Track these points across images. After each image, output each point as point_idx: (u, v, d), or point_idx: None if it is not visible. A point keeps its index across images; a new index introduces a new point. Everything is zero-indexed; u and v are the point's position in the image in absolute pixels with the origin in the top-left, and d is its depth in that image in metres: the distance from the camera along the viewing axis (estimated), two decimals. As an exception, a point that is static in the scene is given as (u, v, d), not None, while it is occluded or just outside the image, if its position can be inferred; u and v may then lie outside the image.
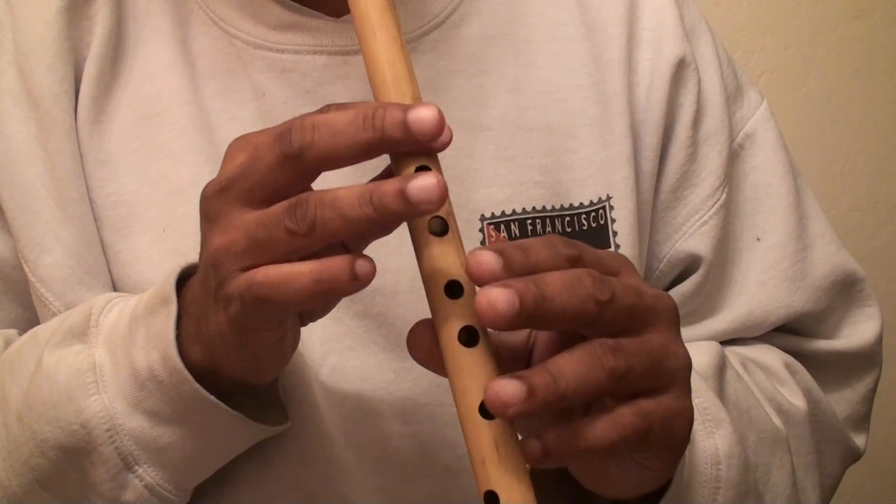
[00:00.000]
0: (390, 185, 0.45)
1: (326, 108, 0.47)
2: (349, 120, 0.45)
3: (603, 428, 0.47)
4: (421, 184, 0.45)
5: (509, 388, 0.44)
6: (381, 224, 0.46)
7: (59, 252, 0.63)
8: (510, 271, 0.45)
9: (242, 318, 0.48)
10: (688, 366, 0.50)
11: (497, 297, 0.43)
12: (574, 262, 0.47)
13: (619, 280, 0.48)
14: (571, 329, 0.48)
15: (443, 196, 0.45)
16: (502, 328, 0.45)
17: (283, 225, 0.45)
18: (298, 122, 0.46)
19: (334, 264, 0.46)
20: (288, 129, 0.46)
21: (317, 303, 0.47)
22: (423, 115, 0.45)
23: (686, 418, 0.50)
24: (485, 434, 0.46)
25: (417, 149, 0.47)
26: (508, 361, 0.50)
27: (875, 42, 1.49)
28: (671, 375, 0.49)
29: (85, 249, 0.64)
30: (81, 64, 0.66)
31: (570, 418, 0.52)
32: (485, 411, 0.46)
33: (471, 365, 0.46)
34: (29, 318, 0.67)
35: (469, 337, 0.46)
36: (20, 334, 0.65)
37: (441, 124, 0.46)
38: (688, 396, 0.50)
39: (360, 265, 0.46)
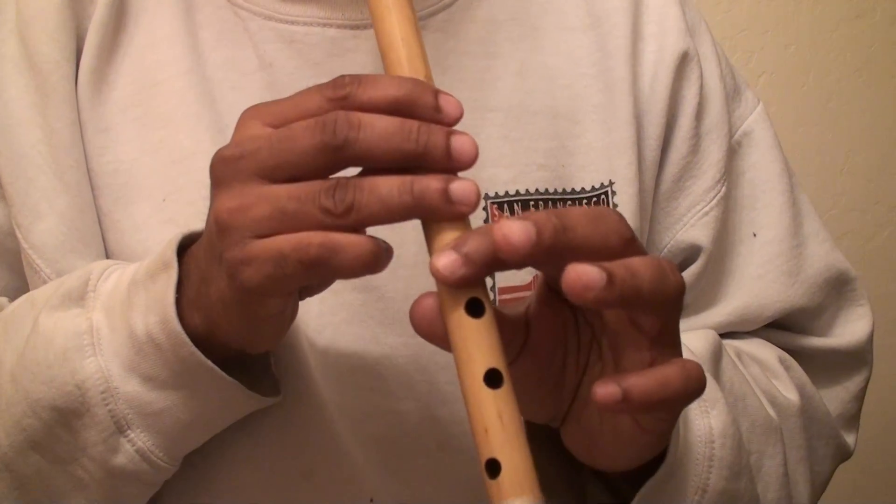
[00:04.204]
0: (434, 180, 0.46)
1: (342, 79, 0.48)
2: (397, 127, 0.46)
3: (679, 377, 0.47)
4: (462, 185, 0.46)
5: (592, 273, 0.44)
6: (414, 214, 0.47)
7: (52, 219, 0.63)
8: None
9: (262, 283, 0.48)
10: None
11: (511, 230, 0.44)
12: (628, 244, 0.48)
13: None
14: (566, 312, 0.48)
15: (478, 202, 0.46)
16: (523, 260, 0.45)
17: (319, 203, 0.46)
18: (343, 115, 0.46)
19: (379, 241, 0.47)
20: (333, 120, 0.46)
21: (361, 273, 0.48)
22: (464, 149, 0.47)
23: None
24: (488, 403, 0.46)
25: (451, 172, 0.48)
26: (508, 335, 0.50)
27: (875, 42, 1.50)
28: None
29: (78, 217, 0.64)
30: (83, 33, 0.66)
31: (562, 382, 0.53)
32: (489, 380, 0.46)
33: (476, 334, 0.46)
34: (19, 286, 0.67)
35: (475, 308, 0.47)
36: (10, 302, 0.65)
37: (476, 158, 0.47)
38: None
39: (387, 246, 0.48)
